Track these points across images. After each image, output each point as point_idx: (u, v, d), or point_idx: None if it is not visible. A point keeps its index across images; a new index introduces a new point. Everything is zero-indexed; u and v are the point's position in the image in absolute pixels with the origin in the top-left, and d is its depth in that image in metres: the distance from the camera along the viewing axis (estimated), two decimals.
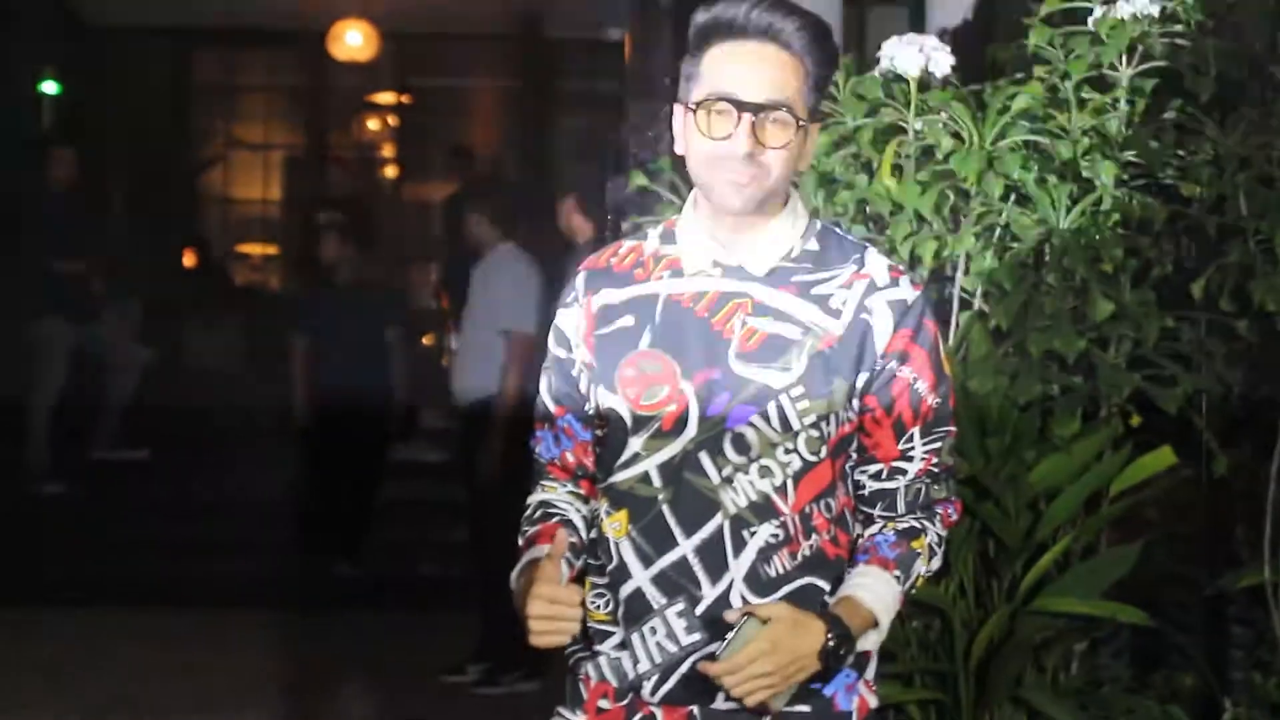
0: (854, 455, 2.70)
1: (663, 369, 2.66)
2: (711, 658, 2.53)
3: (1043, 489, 4.06)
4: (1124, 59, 4.23)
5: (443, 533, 9.32)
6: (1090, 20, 4.25)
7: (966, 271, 4.20)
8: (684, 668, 2.61)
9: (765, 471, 2.62)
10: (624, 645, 2.66)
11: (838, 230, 2.80)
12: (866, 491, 2.71)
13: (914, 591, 2.70)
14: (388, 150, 15.23)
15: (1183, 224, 4.21)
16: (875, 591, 2.61)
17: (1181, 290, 4.16)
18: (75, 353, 10.06)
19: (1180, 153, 4.17)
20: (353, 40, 13.26)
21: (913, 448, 2.69)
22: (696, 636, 2.60)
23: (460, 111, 14.87)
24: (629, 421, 2.67)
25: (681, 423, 2.63)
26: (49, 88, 13.08)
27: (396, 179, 15.14)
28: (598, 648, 2.70)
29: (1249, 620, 4.45)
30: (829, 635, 2.52)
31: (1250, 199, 4.11)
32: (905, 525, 2.68)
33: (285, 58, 14.59)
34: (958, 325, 4.25)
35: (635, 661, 2.66)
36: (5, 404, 10.19)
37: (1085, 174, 4.14)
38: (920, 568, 2.66)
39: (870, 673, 2.71)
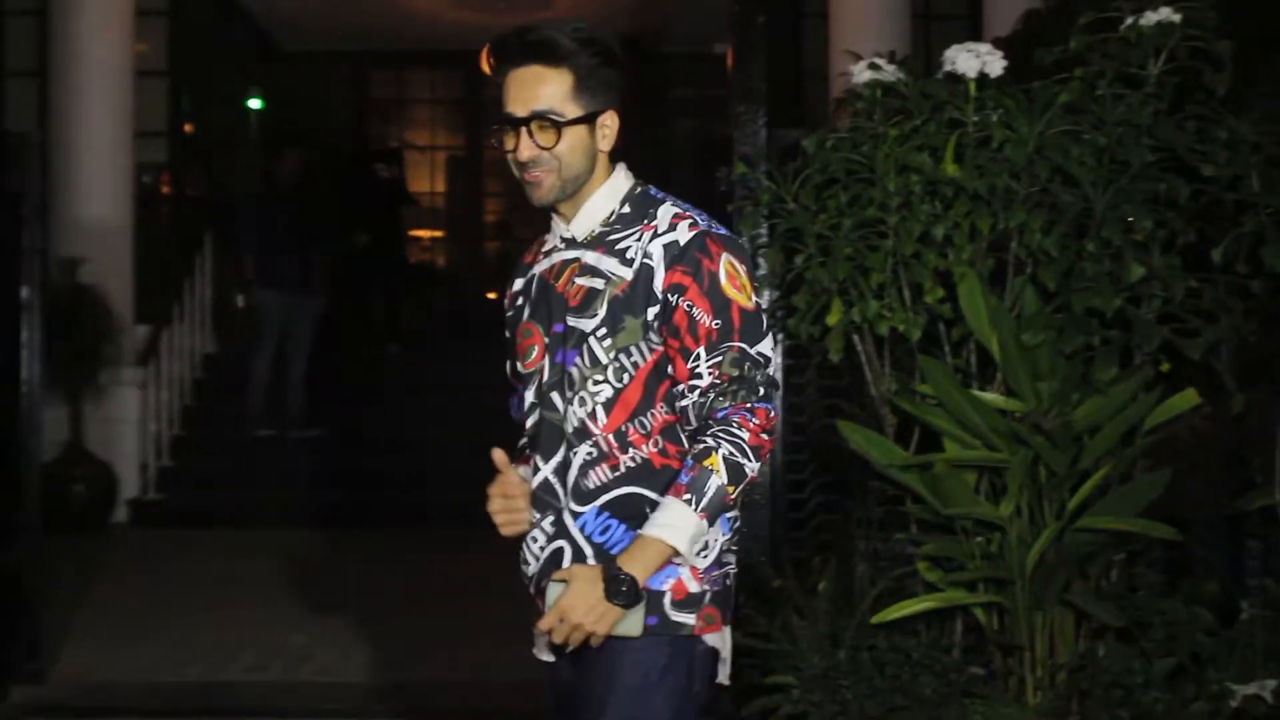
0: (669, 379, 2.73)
1: (533, 333, 2.82)
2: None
3: (1086, 425, 4.03)
4: (1152, 59, 4.17)
5: None
6: (1122, 27, 4.20)
7: (1020, 242, 4.17)
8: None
9: (582, 401, 2.72)
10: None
11: (651, 192, 2.85)
12: (677, 409, 2.72)
13: (736, 497, 2.64)
14: None
15: (1204, 200, 4.16)
16: (662, 523, 2.61)
17: (1203, 256, 4.12)
18: (287, 320, 10.15)
19: (1201, 138, 4.12)
20: None
21: (699, 366, 2.67)
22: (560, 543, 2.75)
23: None
24: (523, 378, 2.84)
25: (541, 371, 2.78)
26: (254, 104, 13.23)
27: None
28: None
29: (1263, 535, 4.42)
30: (606, 582, 2.58)
31: (1262, 177, 4.09)
32: (700, 446, 2.64)
33: (446, 74, 14.67)
34: (1012, 288, 4.22)
35: (527, 564, 2.81)
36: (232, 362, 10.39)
37: (1119, 158, 4.09)
38: (717, 480, 2.59)
39: (702, 562, 2.70)
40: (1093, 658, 4.03)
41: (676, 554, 2.62)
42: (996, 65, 4.15)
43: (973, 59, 4.11)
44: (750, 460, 2.65)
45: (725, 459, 2.62)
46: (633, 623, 2.64)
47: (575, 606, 2.60)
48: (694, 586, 2.71)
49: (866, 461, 4.29)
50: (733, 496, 2.64)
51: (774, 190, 4.39)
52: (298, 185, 10.47)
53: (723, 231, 2.79)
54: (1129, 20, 4.21)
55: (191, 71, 11.52)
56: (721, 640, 2.80)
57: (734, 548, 2.80)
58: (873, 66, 4.31)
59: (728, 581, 2.78)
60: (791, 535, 4.66)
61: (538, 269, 2.87)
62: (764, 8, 4.86)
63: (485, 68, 2.79)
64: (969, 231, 4.13)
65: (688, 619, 2.71)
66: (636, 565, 2.60)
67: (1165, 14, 4.16)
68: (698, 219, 2.76)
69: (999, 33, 5.02)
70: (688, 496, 2.60)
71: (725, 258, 2.73)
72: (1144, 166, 4.09)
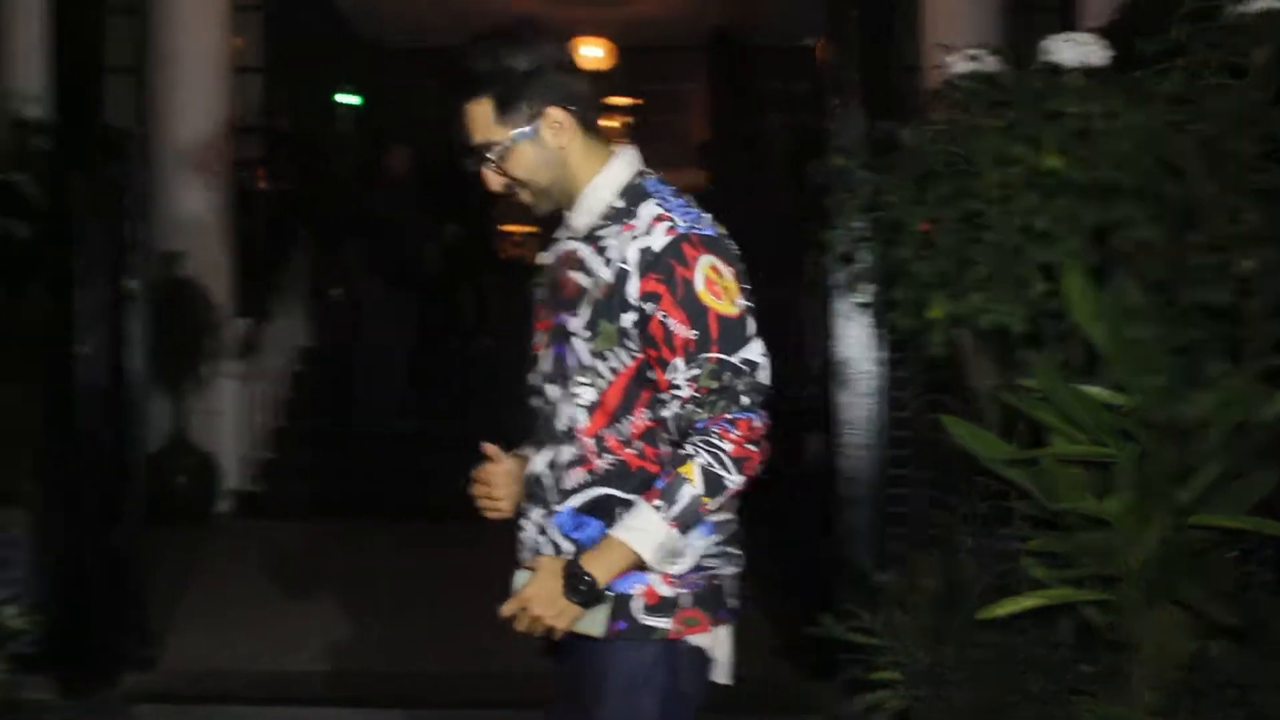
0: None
1: (539, 318, 2.83)
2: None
3: (1195, 421, 3.93)
4: (1257, 48, 4.05)
5: None
6: (1225, 16, 4.09)
7: (1124, 234, 4.07)
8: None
9: (571, 399, 2.70)
10: None
11: (646, 185, 2.77)
12: (660, 416, 2.67)
13: (714, 508, 2.61)
14: (621, 143, 15.29)
15: None
16: (630, 526, 2.59)
17: None
18: (387, 313, 10.17)
19: None
20: (591, 53, 13.30)
21: (677, 377, 2.61)
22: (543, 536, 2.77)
23: (681, 110, 14.87)
24: (531, 362, 2.86)
25: (542, 360, 2.79)
26: (348, 99, 13.30)
27: None
28: None
29: None
30: (565, 579, 2.59)
31: None
32: (681, 454, 2.60)
33: None
34: (1116, 281, 4.13)
35: (521, 551, 2.83)
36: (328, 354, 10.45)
37: (1225, 149, 3.98)
38: (691, 490, 2.56)
39: (675, 569, 2.67)
40: (1206, 657, 3.94)
41: (642, 560, 2.60)
42: (1098, 55, 4.07)
43: (1074, 49, 4.04)
44: (731, 472, 2.60)
45: (703, 469, 2.58)
46: (593, 622, 2.64)
47: (535, 597, 2.62)
48: (665, 591, 2.69)
49: (969, 456, 4.21)
50: (709, 507, 2.60)
51: (873, 183, 4.33)
52: (398, 180, 10.52)
53: (706, 232, 2.69)
54: (1232, 9, 4.11)
55: (286, 67, 11.58)
56: (713, 640, 2.78)
57: (727, 550, 2.77)
58: (971, 58, 4.23)
59: (716, 583, 2.75)
60: (892, 530, 4.60)
61: (548, 257, 2.87)
62: (859, 1, 4.81)
63: None
64: (1071, 224, 4.04)
65: (660, 623, 2.70)
66: (599, 566, 2.60)
67: (1270, 2, 4.06)
68: (678, 221, 2.67)
69: (1092, 23, 4.90)
70: (658, 503, 2.57)
71: (705, 261, 2.65)
72: (1250, 157, 3.98)
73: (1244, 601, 3.97)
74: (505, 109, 2.72)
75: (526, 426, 2.85)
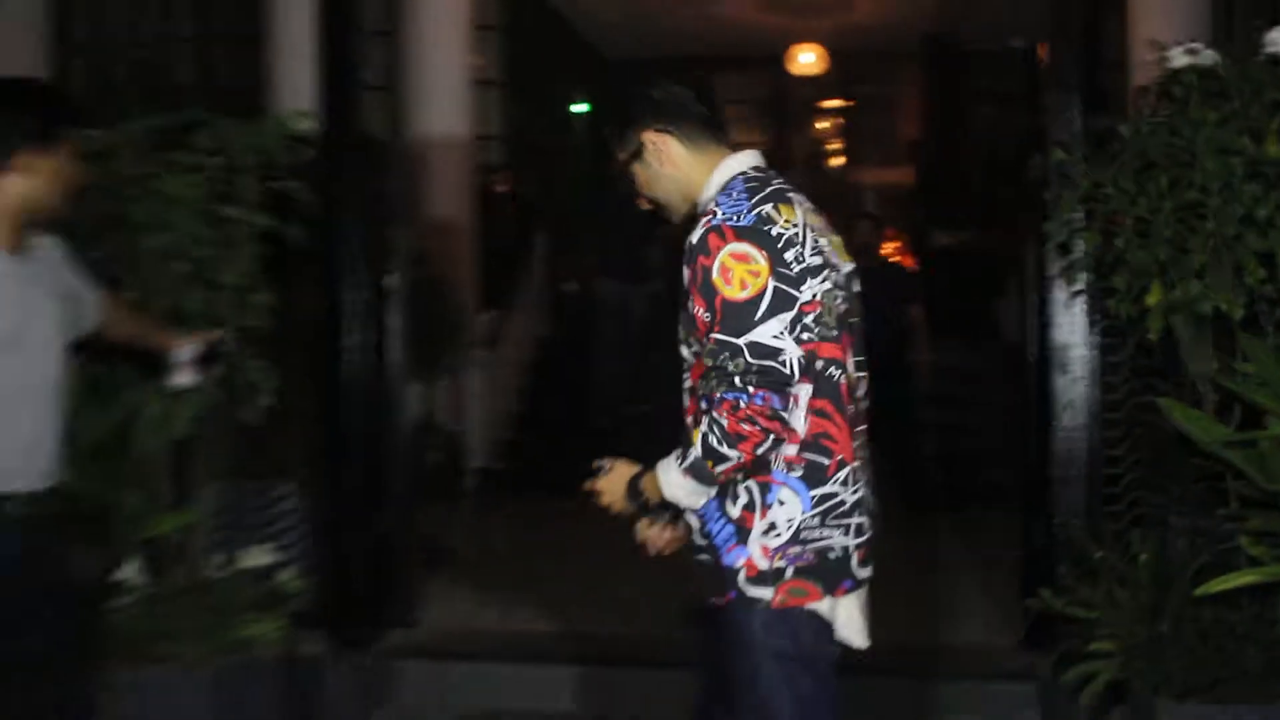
0: None
1: None
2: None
3: None
4: None
5: None
6: None
7: None
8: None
9: (684, 381, 2.94)
10: None
11: (731, 185, 2.87)
12: None
13: (718, 470, 2.73)
14: (834, 144, 15.22)
15: None
16: (663, 465, 2.82)
17: None
18: (624, 307, 10.29)
19: None
20: (806, 60, 13.26)
21: (700, 353, 2.79)
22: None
23: (892, 112, 14.74)
24: None
25: None
26: (579, 108, 13.47)
27: (842, 167, 15.11)
28: None
29: None
30: (627, 486, 2.92)
31: None
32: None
33: (755, 76, 14.68)
34: None
35: None
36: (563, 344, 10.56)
37: None
38: (694, 453, 2.72)
39: (771, 541, 2.77)
40: None
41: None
42: None
43: None
44: (724, 445, 2.69)
45: (703, 437, 2.71)
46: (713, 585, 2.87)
47: (605, 489, 2.96)
48: (763, 564, 2.78)
49: (1181, 439, 4.12)
50: (717, 469, 2.74)
51: (1091, 175, 4.25)
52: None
53: (738, 224, 2.74)
54: None
55: (523, 80, 11.79)
56: (831, 607, 2.84)
57: (835, 523, 2.81)
58: (1189, 52, 4.13)
59: (830, 556, 2.80)
60: (1107, 509, 4.51)
61: None
62: (1080, 2, 4.73)
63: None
64: None
65: (763, 593, 2.78)
66: (647, 485, 2.89)
67: None
68: (719, 214, 2.77)
69: None
70: (677, 454, 2.79)
71: (727, 250, 2.72)
72: None
73: None
74: (619, 138, 2.98)
75: None
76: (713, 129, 2.98)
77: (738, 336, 2.68)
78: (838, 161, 15.18)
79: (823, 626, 2.84)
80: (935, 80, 13.33)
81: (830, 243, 2.90)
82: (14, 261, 3.30)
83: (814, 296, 2.76)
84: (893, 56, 13.79)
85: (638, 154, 2.95)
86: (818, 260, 2.79)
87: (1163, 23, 8.29)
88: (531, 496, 9.16)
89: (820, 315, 2.76)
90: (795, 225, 2.78)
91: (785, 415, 2.69)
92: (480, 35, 10.81)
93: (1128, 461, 4.53)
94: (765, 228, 2.74)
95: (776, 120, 14.93)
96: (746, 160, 2.94)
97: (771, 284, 2.70)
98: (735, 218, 2.75)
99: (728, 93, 15.07)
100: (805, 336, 2.72)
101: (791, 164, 14.92)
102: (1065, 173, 4.41)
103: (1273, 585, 3.94)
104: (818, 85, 14.40)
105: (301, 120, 4.84)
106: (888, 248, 8.90)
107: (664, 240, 11.32)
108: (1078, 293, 4.51)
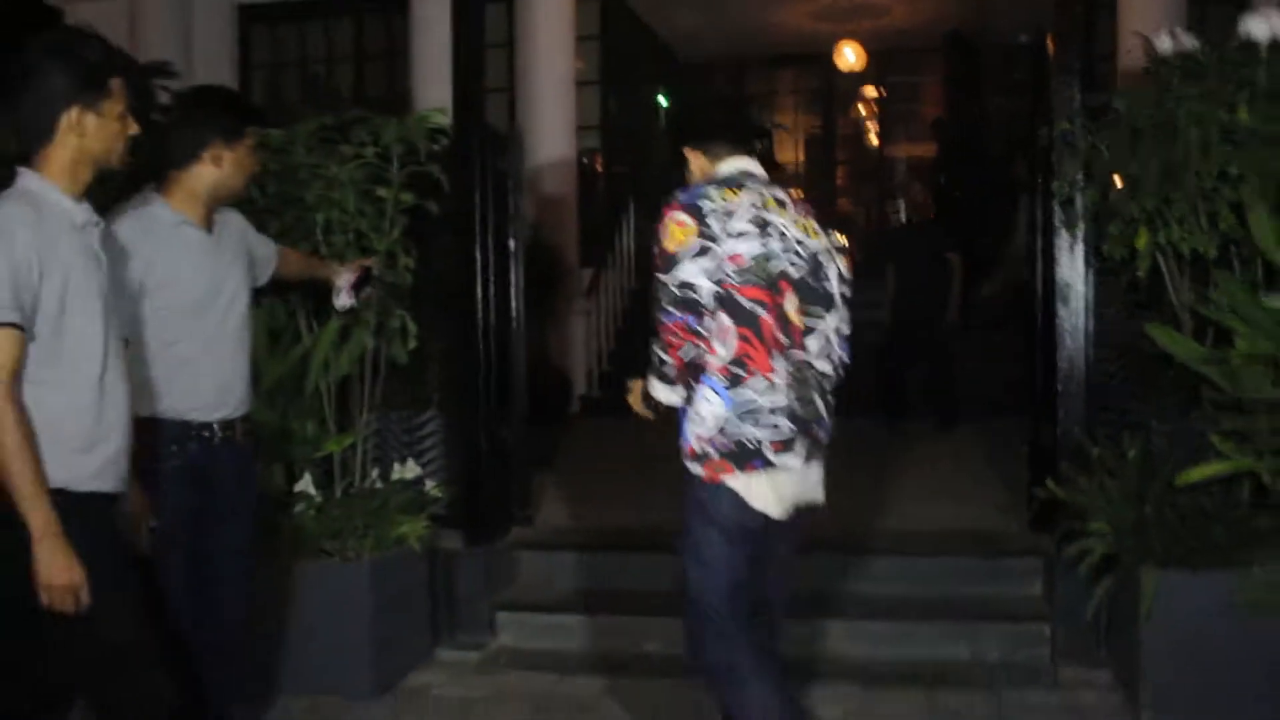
0: None
1: None
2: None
3: None
4: None
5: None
6: None
7: None
8: None
9: None
10: None
11: (711, 180, 3.16)
12: None
13: (667, 374, 3.11)
14: (872, 126, 15.07)
15: None
16: (645, 380, 3.20)
17: None
18: None
19: None
20: (849, 56, 13.10)
21: None
22: None
23: (919, 99, 14.55)
24: None
25: None
26: (661, 100, 13.43)
27: (878, 145, 14.98)
28: None
29: None
30: (642, 392, 3.23)
31: None
32: None
33: (806, 71, 14.55)
34: None
35: None
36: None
37: None
38: (654, 362, 3.12)
39: (701, 430, 3.04)
40: None
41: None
42: None
43: (1265, 25, 3.84)
44: (663, 353, 3.08)
45: (652, 350, 3.09)
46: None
47: (631, 399, 3.30)
48: (697, 447, 3.05)
49: (1164, 356, 4.11)
50: (664, 371, 3.11)
51: (1090, 142, 4.22)
52: None
53: (681, 201, 3.06)
54: None
55: (616, 79, 11.78)
56: (746, 484, 3.03)
57: (750, 421, 2.99)
58: (1173, 38, 4.09)
59: (746, 445, 3.00)
60: (1102, 416, 4.50)
61: None
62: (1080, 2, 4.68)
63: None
64: (1259, 168, 3.86)
65: (697, 470, 3.06)
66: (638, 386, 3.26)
67: None
68: (677, 197, 3.09)
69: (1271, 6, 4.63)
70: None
71: (669, 217, 3.05)
72: None
73: None
74: (672, 151, 3.35)
75: None
76: (734, 143, 3.26)
77: (667, 274, 3.02)
78: (875, 139, 15.03)
79: (738, 499, 3.04)
80: (956, 70, 13.12)
81: (799, 226, 3.11)
82: (206, 235, 3.39)
83: (737, 252, 2.99)
84: (920, 52, 13.59)
85: (682, 163, 3.31)
86: (750, 229, 3.01)
87: (1146, 17, 8.12)
88: (623, 419, 9.18)
89: (744, 267, 2.99)
90: (729, 204, 3.03)
91: (700, 330, 3.00)
92: (582, 43, 10.81)
93: (1119, 377, 4.52)
94: (698, 203, 3.03)
95: (825, 107, 14.80)
96: (734, 166, 3.20)
97: (695, 241, 2.99)
98: (682, 197, 3.07)
99: (781, 86, 14.96)
100: (723, 279, 2.99)
101: (838, 145, 14.83)
102: (1068, 141, 4.38)
103: (1238, 474, 3.93)
104: (859, 77, 14.24)
105: (438, 116, 4.89)
106: (928, 209, 8.75)
107: None
108: (1078, 239, 4.48)
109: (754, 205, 3.05)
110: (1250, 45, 3.90)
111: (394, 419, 5.08)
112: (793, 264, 3.04)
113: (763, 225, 3.03)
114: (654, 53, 13.15)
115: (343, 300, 4.08)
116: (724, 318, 2.99)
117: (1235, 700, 3.78)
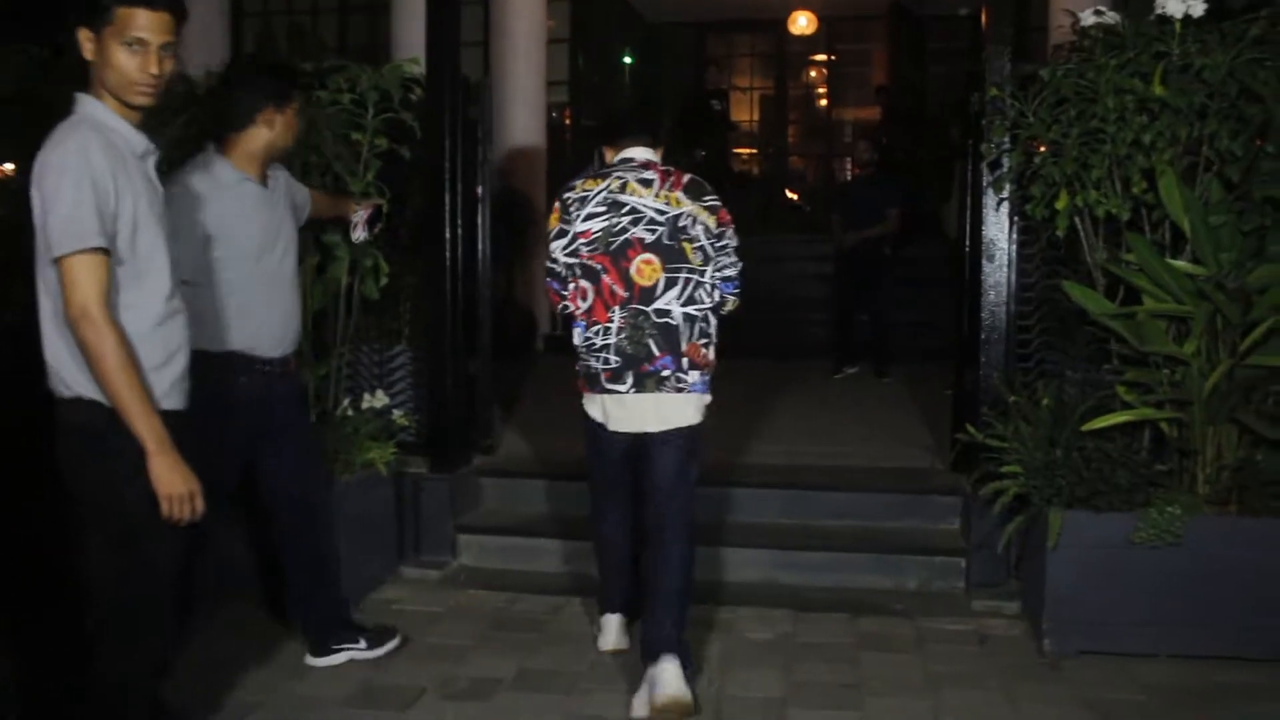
0: None
1: None
2: None
3: (1256, 286, 3.73)
4: None
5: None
6: None
7: (1210, 146, 3.84)
8: None
9: None
10: None
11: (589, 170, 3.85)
12: None
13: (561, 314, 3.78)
14: (821, 89, 14.94)
15: None
16: None
17: None
18: None
19: None
20: (802, 23, 12.96)
21: None
22: None
23: (865, 64, 14.43)
24: None
25: None
26: (627, 60, 13.26)
27: (826, 107, 14.86)
28: None
29: None
30: None
31: None
32: None
33: (762, 35, 14.39)
34: (1201, 181, 3.91)
35: None
36: None
37: None
38: None
39: (578, 357, 3.65)
40: (1251, 461, 3.80)
41: None
42: (1199, 7, 3.83)
43: (1180, 3, 3.78)
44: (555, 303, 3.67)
45: None
46: None
47: None
48: (578, 369, 3.64)
49: (1079, 311, 4.09)
50: (559, 312, 3.73)
51: (1017, 108, 4.16)
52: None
53: (562, 193, 3.60)
54: None
55: (584, 38, 11.60)
56: (591, 403, 3.67)
57: (590, 354, 3.55)
58: (1097, 13, 4.03)
59: (589, 371, 3.58)
60: (1020, 365, 4.49)
61: None
62: None
63: None
64: (1170, 138, 3.83)
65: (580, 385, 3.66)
66: None
67: None
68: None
69: None
70: None
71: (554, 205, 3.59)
72: None
73: None
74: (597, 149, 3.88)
75: None
76: (627, 137, 3.65)
77: (547, 250, 3.59)
78: (823, 102, 14.90)
79: (590, 415, 3.68)
80: (900, 39, 13.02)
81: (661, 198, 3.51)
82: (263, 189, 3.58)
83: (588, 229, 3.49)
84: (867, 20, 13.46)
85: (602, 158, 3.71)
86: (600, 210, 3.49)
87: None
88: None
89: (592, 240, 3.48)
90: (587, 192, 3.53)
91: (558, 288, 3.61)
92: (553, 4, 10.63)
93: (1037, 329, 4.50)
94: (564, 195, 3.59)
95: (779, 70, 14.64)
96: (622, 155, 3.63)
97: (557, 225, 3.56)
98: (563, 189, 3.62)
99: (741, 49, 14.80)
100: (576, 250, 3.51)
101: (789, 106, 14.70)
102: (997, 107, 4.32)
103: (1140, 423, 3.94)
104: (810, 43, 14.09)
105: (412, 66, 4.80)
106: (873, 166, 8.65)
107: (693, 159, 11.24)
108: (1003, 199, 4.44)
109: (609, 190, 3.51)
110: (1166, 20, 3.85)
111: (366, 352, 5.02)
112: (649, 231, 3.48)
113: (613, 205, 3.49)
114: (621, 14, 12.95)
115: (359, 234, 4.28)
116: (580, 279, 3.51)
117: (1121, 629, 3.84)
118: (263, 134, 3.53)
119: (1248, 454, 3.83)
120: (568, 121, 11.39)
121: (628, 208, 3.48)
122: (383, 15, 9.89)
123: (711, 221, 3.54)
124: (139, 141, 2.65)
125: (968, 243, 4.66)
